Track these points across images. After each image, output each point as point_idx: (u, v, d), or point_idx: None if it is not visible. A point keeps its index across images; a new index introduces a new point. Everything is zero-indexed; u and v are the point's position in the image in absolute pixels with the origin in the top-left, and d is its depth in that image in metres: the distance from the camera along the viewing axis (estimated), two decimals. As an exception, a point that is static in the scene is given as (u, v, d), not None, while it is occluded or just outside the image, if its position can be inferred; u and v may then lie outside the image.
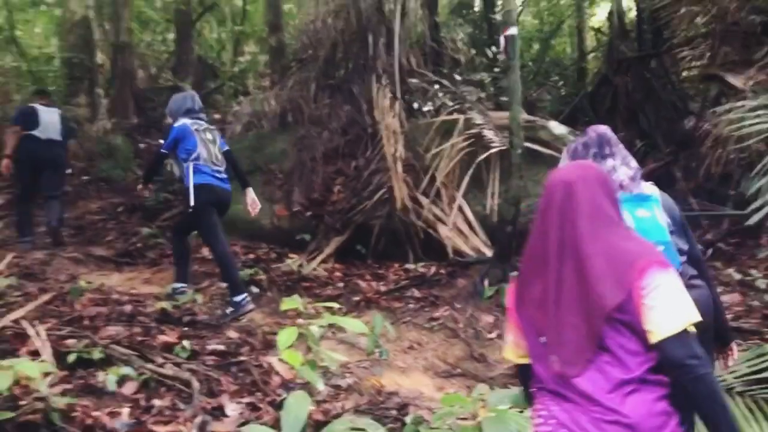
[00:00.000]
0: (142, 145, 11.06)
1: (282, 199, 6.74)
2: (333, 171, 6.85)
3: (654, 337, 1.58)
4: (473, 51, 9.89)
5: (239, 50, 16.02)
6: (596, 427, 1.58)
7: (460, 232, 6.05)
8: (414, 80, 7.86)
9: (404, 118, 6.83)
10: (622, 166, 2.71)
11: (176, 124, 5.20)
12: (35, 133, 6.64)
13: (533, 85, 12.09)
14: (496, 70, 8.84)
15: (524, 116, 6.55)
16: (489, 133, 6.29)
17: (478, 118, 6.57)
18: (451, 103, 7.33)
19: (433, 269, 5.79)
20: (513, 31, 4.52)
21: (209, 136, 5.20)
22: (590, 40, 13.31)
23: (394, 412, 3.39)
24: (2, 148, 7.01)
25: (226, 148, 5.35)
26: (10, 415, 2.63)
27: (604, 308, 1.59)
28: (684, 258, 2.49)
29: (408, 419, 3.11)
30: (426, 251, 6.02)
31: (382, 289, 5.44)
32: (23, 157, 6.67)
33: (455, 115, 6.74)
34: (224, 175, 5.17)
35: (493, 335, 4.60)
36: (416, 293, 5.37)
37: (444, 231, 5.96)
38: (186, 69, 14.18)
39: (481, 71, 9.50)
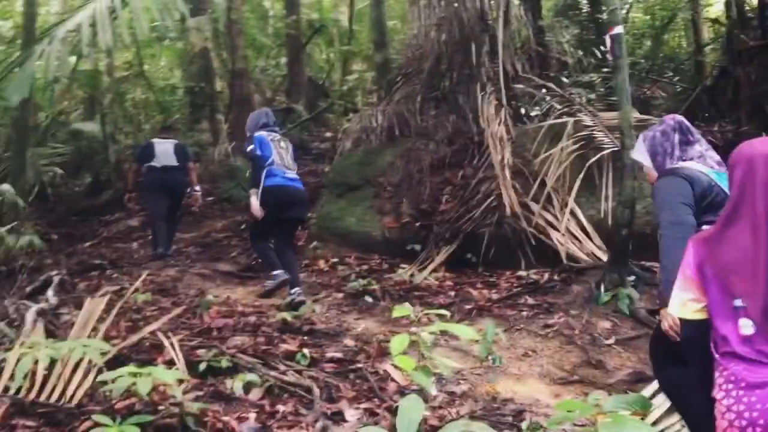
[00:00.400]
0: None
1: (391, 210, 6.88)
2: (440, 181, 6.91)
3: None
4: (580, 52, 9.69)
5: (347, 69, 16.47)
6: None
7: (574, 237, 5.93)
8: (520, 86, 7.81)
9: (511, 124, 6.79)
10: (708, 151, 2.95)
11: (256, 134, 5.93)
12: (153, 163, 7.61)
13: (647, 82, 11.63)
14: (605, 70, 8.60)
15: (636, 115, 6.33)
16: (600, 135, 6.14)
17: (587, 120, 6.43)
18: (559, 107, 7.21)
19: (546, 276, 5.70)
20: (619, 30, 4.42)
21: (283, 144, 5.97)
22: (706, 32, 12.63)
23: (509, 419, 3.38)
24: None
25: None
26: (150, 418, 2.87)
27: None
28: None
29: (524, 425, 3.11)
30: (538, 258, 5.94)
31: (494, 297, 5.42)
32: (146, 185, 7.72)
33: (564, 119, 6.62)
34: (296, 177, 5.93)
35: (610, 341, 4.47)
36: (529, 300, 5.31)
37: (556, 236, 5.86)
38: (298, 90, 14.77)
39: (590, 72, 9.30)
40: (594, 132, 6.15)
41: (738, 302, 1.83)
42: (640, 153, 3.16)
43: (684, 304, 2.00)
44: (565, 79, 8.24)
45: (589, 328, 4.55)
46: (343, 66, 16.63)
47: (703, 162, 2.93)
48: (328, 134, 13.47)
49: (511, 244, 5.91)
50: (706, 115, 9.50)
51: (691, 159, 2.95)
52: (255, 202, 5.66)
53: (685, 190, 2.79)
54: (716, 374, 1.88)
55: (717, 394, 1.86)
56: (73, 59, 7.66)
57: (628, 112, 4.83)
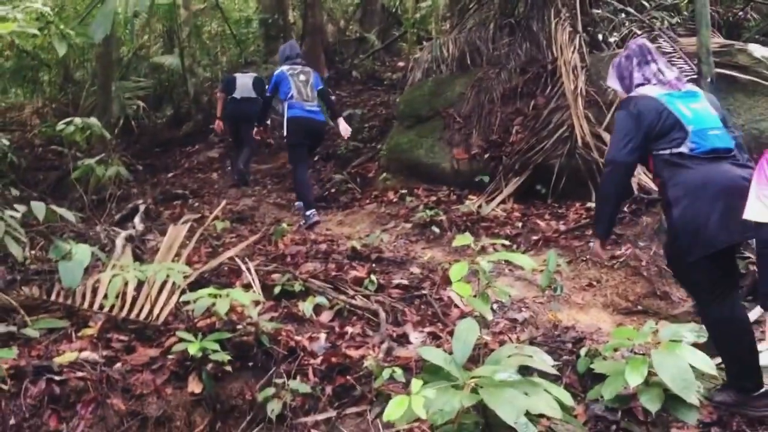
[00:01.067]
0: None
1: (461, 142, 6.87)
2: (511, 111, 6.82)
3: None
4: (665, -28, 9.16)
5: (420, -4, 16.09)
6: None
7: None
8: (597, 11, 7.51)
9: (586, 51, 6.57)
10: (666, 69, 3.19)
11: (276, 71, 6.83)
12: (234, 95, 8.16)
13: (738, 3, 10.87)
14: (691, -9, 8.12)
15: (719, 40, 6.01)
16: (679, 62, 5.88)
17: (667, 46, 6.15)
18: (639, 32, 6.91)
19: (616, 207, 5.63)
20: (700, -50, 4.18)
21: (302, 77, 6.68)
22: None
23: (569, 346, 3.47)
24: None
25: (320, 86, 6.85)
26: (228, 335, 3.11)
27: None
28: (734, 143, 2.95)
29: (582, 352, 3.19)
30: (609, 189, 5.84)
31: (562, 228, 5.41)
32: (227, 115, 8.31)
33: (642, 45, 6.36)
34: (316, 109, 6.65)
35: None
36: (597, 231, 5.29)
37: (628, 167, 5.74)
38: (371, 19, 14.62)
39: (675, -6, 8.80)
40: (673, 59, 5.89)
41: None
42: (611, 79, 3.37)
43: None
44: (646, 3, 7.83)
45: (657, 260, 4.51)
46: (416, -7, 16.25)
47: (659, 81, 3.13)
48: (401, 64, 13.34)
49: (582, 176, 5.82)
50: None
51: (648, 81, 3.14)
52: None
53: (630, 127, 3.01)
54: None
55: None
56: (151, -6, 7.86)
57: (707, 38, 4.60)
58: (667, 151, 2.99)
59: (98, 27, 5.44)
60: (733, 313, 2.93)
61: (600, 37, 7.54)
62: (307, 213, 6.21)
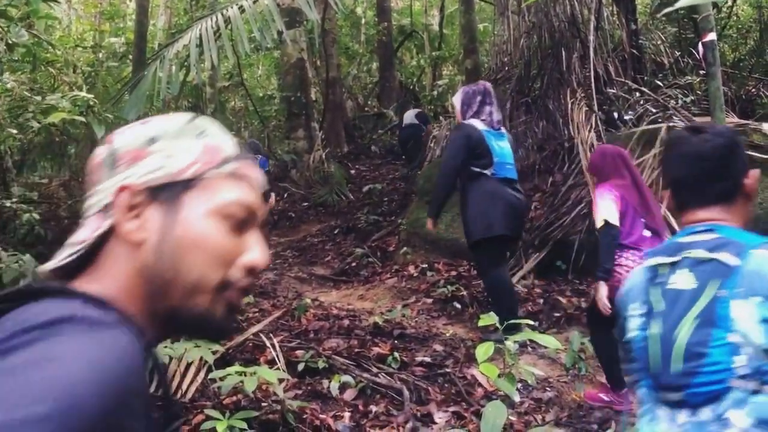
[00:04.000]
0: (353, 171, 11.97)
1: (481, 217, 6.96)
2: (530, 188, 6.93)
3: None
4: (678, 53, 9.42)
5: (438, 73, 16.61)
6: None
7: (667, 244, 5.82)
8: (612, 90, 7.71)
9: (602, 129, 6.73)
10: (496, 112, 4.68)
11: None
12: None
13: (751, 80, 11.11)
14: (703, 72, 8.32)
15: (734, 120, 6.14)
16: (695, 141, 6.00)
17: (681, 126, 6.29)
18: (653, 110, 7.08)
19: (637, 284, 5.64)
20: (711, 36, 4.33)
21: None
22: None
23: (595, 427, 3.44)
24: None
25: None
26: (254, 414, 3.13)
27: None
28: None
29: (609, 433, 3.16)
30: (630, 265, 5.87)
31: (583, 305, 5.42)
32: None
33: (657, 123, 6.51)
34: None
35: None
36: (620, 308, 5.28)
37: (648, 244, 5.78)
38: (389, 96, 15.06)
39: (688, 73, 9.02)
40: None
41: None
42: (457, 100, 4.79)
43: None
44: (660, 82, 8.04)
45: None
46: (434, 71, 16.78)
47: (487, 119, 4.60)
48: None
49: (602, 252, 5.86)
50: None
51: (479, 116, 4.59)
52: None
53: (461, 145, 4.52)
54: None
55: None
56: (180, 74, 8.20)
57: (722, 120, 4.71)
58: (477, 170, 4.51)
59: (132, 108, 5.69)
60: (503, 275, 4.65)
61: (615, 115, 7.72)
62: None
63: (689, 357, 1.40)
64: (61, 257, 0.80)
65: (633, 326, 1.57)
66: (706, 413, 1.38)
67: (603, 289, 3.56)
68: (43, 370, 0.57)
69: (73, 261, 0.79)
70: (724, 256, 1.41)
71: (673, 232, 3.40)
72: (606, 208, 3.64)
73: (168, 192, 0.79)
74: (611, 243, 3.61)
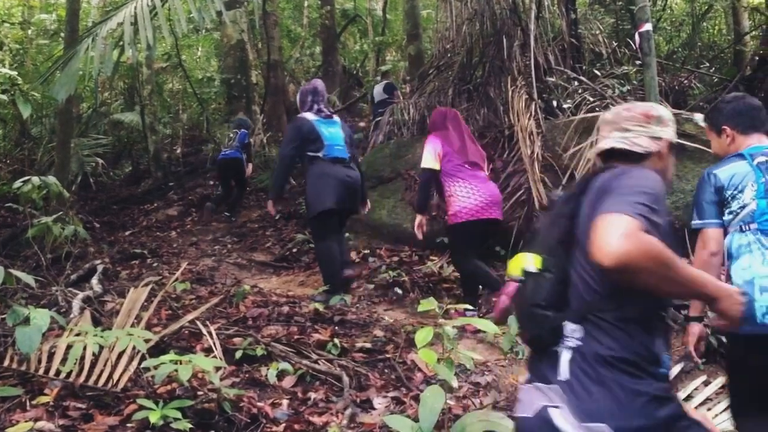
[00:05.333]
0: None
1: (422, 203, 6.97)
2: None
3: None
4: (615, 43, 9.63)
5: (381, 59, 16.55)
6: None
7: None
8: (552, 79, 7.82)
9: (541, 118, 6.82)
10: (324, 106, 5.50)
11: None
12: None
13: (683, 72, 11.47)
14: (640, 62, 8.53)
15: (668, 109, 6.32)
16: (629, 130, 6.15)
17: (618, 114, 6.43)
18: (591, 99, 7.21)
19: (574, 269, 5.75)
20: (647, 27, 4.43)
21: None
22: (746, 21, 12.39)
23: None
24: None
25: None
26: (189, 402, 3.05)
27: None
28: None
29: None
30: (567, 251, 5.98)
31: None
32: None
33: (595, 112, 6.63)
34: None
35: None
36: (557, 293, 5.38)
37: (585, 230, 5.90)
38: (333, 80, 14.92)
39: (625, 63, 9.23)
40: (624, 126, 6.15)
41: None
42: (298, 98, 5.67)
43: None
44: (597, 72, 8.20)
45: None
46: (377, 56, 16.71)
47: (318, 112, 5.43)
48: (362, 124, 13.59)
49: (540, 238, 5.96)
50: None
51: (312, 109, 5.45)
52: None
53: (293, 134, 5.34)
54: None
55: None
56: (114, 53, 7.92)
57: (657, 108, 4.85)
58: (311, 153, 5.26)
59: (62, 87, 5.46)
60: (330, 246, 5.26)
61: (555, 103, 7.84)
62: None
63: None
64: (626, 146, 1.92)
65: (747, 197, 2.67)
66: None
67: (418, 218, 5.26)
68: (645, 177, 1.69)
69: (635, 154, 1.89)
70: None
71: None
72: (427, 155, 5.09)
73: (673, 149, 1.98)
74: (426, 185, 5.17)
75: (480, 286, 5.28)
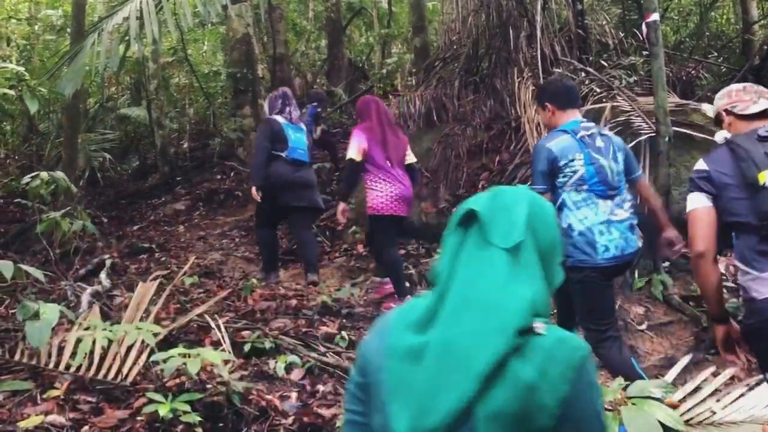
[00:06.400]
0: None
1: (429, 196, 6.98)
2: (477, 167, 6.98)
3: None
4: (622, 33, 9.57)
5: (387, 52, 16.49)
6: None
7: (609, 222, 5.94)
8: (558, 70, 7.78)
9: (548, 109, 6.78)
10: (294, 111, 6.00)
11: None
12: None
13: (691, 62, 11.38)
14: (647, 52, 8.48)
15: (675, 100, 6.28)
16: (637, 120, 6.12)
17: (625, 105, 6.40)
18: (598, 90, 7.18)
19: (581, 260, 5.74)
20: (655, 17, 4.40)
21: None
22: (755, 10, 12.28)
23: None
24: None
25: None
26: (198, 396, 3.07)
27: None
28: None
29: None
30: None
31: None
32: None
33: (602, 103, 6.60)
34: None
35: (643, 326, 4.54)
36: (564, 285, 5.38)
37: (592, 222, 5.88)
38: (338, 73, 14.87)
39: (632, 54, 9.17)
40: (631, 117, 6.13)
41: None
42: (267, 104, 6.17)
43: None
44: (604, 63, 8.15)
45: (622, 314, 4.60)
46: (383, 49, 16.64)
47: (286, 115, 5.91)
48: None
49: (547, 230, 5.95)
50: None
51: (281, 113, 5.92)
52: None
53: (265, 134, 5.80)
54: None
55: None
56: (121, 48, 7.93)
57: (664, 99, 4.82)
58: (276, 152, 5.73)
59: (68, 82, 5.47)
60: (272, 232, 6.16)
61: (561, 94, 7.78)
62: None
63: (618, 173, 3.50)
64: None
65: (578, 164, 3.40)
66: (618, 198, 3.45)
67: (341, 206, 5.50)
68: None
69: None
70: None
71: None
72: (352, 147, 5.25)
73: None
74: (350, 175, 5.37)
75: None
